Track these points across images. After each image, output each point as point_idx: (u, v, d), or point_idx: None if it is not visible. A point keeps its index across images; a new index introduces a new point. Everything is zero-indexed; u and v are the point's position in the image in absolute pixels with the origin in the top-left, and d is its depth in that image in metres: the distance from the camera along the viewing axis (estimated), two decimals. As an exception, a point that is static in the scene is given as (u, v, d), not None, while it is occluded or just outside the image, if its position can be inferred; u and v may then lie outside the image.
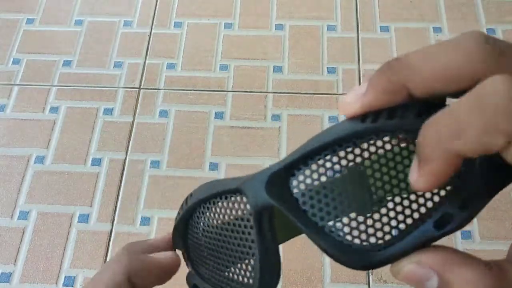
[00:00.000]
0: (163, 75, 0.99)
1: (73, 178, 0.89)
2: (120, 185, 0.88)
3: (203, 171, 0.88)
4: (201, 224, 0.23)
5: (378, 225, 0.16)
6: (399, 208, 0.16)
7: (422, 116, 0.14)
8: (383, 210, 0.16)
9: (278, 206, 0.17)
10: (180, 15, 1.06)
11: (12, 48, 1.03)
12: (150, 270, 0.24)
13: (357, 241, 0.16)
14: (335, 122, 0.91)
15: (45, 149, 0.92)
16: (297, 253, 0.80)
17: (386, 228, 0.16)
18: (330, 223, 0.17)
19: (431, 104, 0.15)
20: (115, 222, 0.85)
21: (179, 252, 0.27)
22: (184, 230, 0.25)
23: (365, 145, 0.16)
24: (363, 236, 0.16)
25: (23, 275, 0.81)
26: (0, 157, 0.92)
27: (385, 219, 0.16)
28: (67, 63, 1.01)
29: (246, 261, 0.21)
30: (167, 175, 0.88)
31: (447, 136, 0.12)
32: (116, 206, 0.86)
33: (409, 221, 0.16)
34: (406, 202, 0.16)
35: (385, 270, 0.78)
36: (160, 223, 0.85)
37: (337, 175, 0.17)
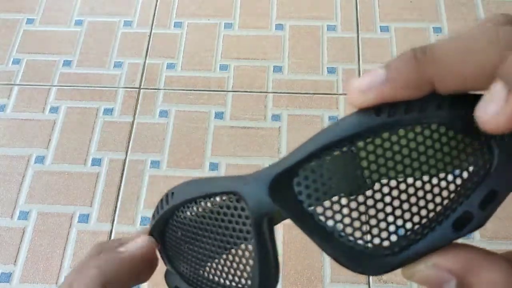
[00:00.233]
0: (163, 75, 0.99)
1: (73, 178, 0.89)
2: (120, 185, 0.88)
3: (203, 171, 0.88)
4: (184, 226, 0.21)
5: (391, 227, 0.15)
6: (414, 209, 0.15)
7: (442, 108, 0.13)
8: (398, 212, 0.15)
9: (284, 213, 0.16)
10: (180, 15, 1.06)
11: (12, 48, 1.03)
12: (126, 269, 0.21)
13: (369, 245, 0.15)
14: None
15: (45, 149, 0.92)
16: (297, 253, 0.80)
17: (401, 231, 0.15)
18: (340, 226, 0.15)
19: (448, 95, 0.14)
20: (115, 222, 0.85)
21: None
22: (163, 230, 0.23)
23: (379, 141, 0.15)
24: (376, 240, 0.15)
25: (23, 275, 0.81)
26: (0, 157, 0.92)
27: (399, 221, 0.15)
28: (67, 63, 1.01)
29: (242, 269, 0.19)
30: (167, 175, 0.88)
31: None
32: (116, 206, 0.86)
33: (424, 222, 0.15)
34: (421, 202, 0.15)
35: (385, 270, 0.78)
36: (160, 223, 0.84)
37: (350, 162, 0.15)
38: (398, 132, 0.14)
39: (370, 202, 0.15)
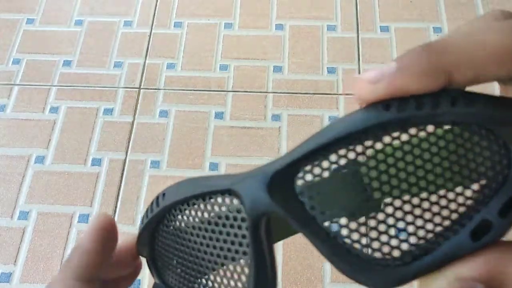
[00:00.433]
0: (163, 75, 0.99)
1: (73, 178, 0.89)
2: (120, 185, 0.88)
3: (203, 171, 0.88)
4: (176, 229, 0.19)
5: (402, 235, 0.14)
6: (427, 215, 0.13)
7: (456, 105, 0.12)
8: (409, 217, 0.14)
9: (284, 214, 0.14)
10: (180, 15, 1.06)
11: (12, 48, 1.03)
12: (88, 254, 0.20)
13: (378, 254, 0.14)
14: (335, 122, 0.91)
15: (45, 149, 0.92)
16: (297, 253, 0.80)
17: (413, 239, 0.14)
18: (345, 232, 0.14)
19: (461, 91, 0.13)
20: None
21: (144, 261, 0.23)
22: (152, 236, 0.21)
23: (387, 139, 0.13)
24: (386, 249, 0.14)
25: (23, 275, 0.81)
26: (0, 157, 0.92)
27: (411, 228, 0.14)
28: (67, 63, 1.01)
29: (236, 276, 0.17)
30: (167, 175, 0.88)
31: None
32: (116, 206, 0.86)
33: (438, 230, 0.14)
34: (435, 208, 0.14)
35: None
36: (160, 223, 0.84)
37: (354, 173, 0.14)
38: (409, 131, 0.13)
39: (375, 204, 0.14)
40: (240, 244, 0.16)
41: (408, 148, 0.13)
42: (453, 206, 0.13)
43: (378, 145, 0.14)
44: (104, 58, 1.01)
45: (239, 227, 0.16)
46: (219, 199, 0.17)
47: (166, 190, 0.19)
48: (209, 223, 0.17)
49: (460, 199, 0.14)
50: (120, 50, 1.02)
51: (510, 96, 0.13)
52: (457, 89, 0.13)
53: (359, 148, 0.14)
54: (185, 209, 0.18)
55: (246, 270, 0.17)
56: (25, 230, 0.85)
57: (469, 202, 0.14)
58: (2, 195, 0.88)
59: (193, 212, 0.18)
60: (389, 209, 0.14)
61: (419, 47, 0.13)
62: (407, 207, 0.14)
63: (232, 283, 0.17)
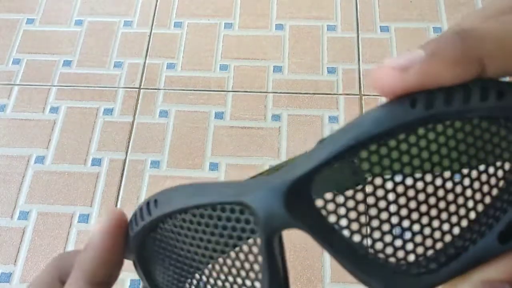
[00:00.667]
0: (163, 75, 0.99)
1: (73, 178, 0.89)
2: (120, 185, 0.88)
3: (203, 171, 0.88)
4: (171, 241, 0.18)
5: (428, 242, 0.13)
6: (454, 219, 0.13)
7: (488, 99, 0.11)
8: (435, 223, 0.13)
9: (305, 230, 0.13)
10: (180, 15, 1.06)
11: (12, 48, 1.03)
12: (101, 257, 0.19)
13: (403, 263, 0.13)
14: (336, 122, 0.91)
15: (45, 149, 0.92)
16: (297, 253, 0.80)
17: (439, 245, 0.13)
18: (368, 242, 0.13)
19: (492, 82, 0.12)
20: (115, 222, 0.85)
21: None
22: (142, 242, 0.19)
23: (413, 139, 0.12)
24: (411, 257, 0.13)
25: (23, 275, 0.81)
26: (0, 157, 0.92)
27: (437, 234, 0.13)
28: (67, 63, 1.01)
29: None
30: (167, 175, 0.88)
31: None
32: (116, 206, 0.86)
33: (466, 234, 0.13)
34: (462, 211, 0.13)
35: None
36: (160, 223, 0.85)
37: (376, 181, 0.13)
38: (436, 128, 0.12)
39: (403, 212, 0.13)
40: (250, 260, 0.15)
41: (434, 146, 0.13)
42: (479, 207, 0.13)
43: (404, 146, 0.12)
44: (104, 58, 1.01)
45: (248, 239, 0.15)
46: (226, 212, 0.15)
47: (158, 196, 0.17)
48: (212, 234, 0.16)
49: (486, 199, 0.13)
50: (120, 50, 1.02)
51: None
52: (487, 80, 0.12)
53: (383, 151, 0.12)
54: (183, 219, 0.16)
55: (257, 285, 0.15)
56: (25, 230, 0.85)
57: (496, 202, 0.13)
58: (2, 195, 0.88)
59: (192, 222, 0.16)
60: (414, 216, 0.13)
61: (452, 32, 0.12)
62: (433, 212, 0.13)
63: None
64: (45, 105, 0.96)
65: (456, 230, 0.13)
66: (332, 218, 0.13)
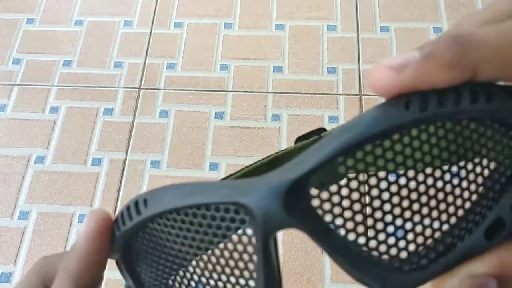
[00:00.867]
0: (163, 75, 0.99)
1: (73, 178, 0.89)
2: (120, 185, 0.88)
3: (203, 171, 0.88)
4: (159, 237, 0.17)
5: (419, 239, 0.14)
6: (443, 217, 0.13)
7: (478, 102, 0.12)
8: (426, 221, 0.13)
9: (302, 230, 0.13)
10: (180, 15, 1.06)
11: (12, 48, 1.04)
12: (87, 259, 0.18)
13: (395, 261, 0.13)
14: (336, 122, 0.91)
15: (45, 149, 0.92)
16: (297, 253, 0.80)
17: (429, 242, 0.13)
18: (362, 240, 0.14)
19: (481, 86, 0.12)
20: (115, 222, 0.85)
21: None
22: (128, 241, 0.18)
23: (407, 140, 0.13)
24: (403, 254, 0.13)
25: (23, 275, 0.81)
26: (0, 157, 0.92)
27: (427, 232, 0.13)
28: (67, 63, 1.01)
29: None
30: (167, 175, 0.88)
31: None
32: (116, 206, 0.86)
33: (454, 231, 0.13)
34: (451, 209, 0.13)
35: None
36: (160, 223, 0.85)
37: (371, 180, 0.14)
38: (428, 129, 0.13)
39: (396, 211, 0.14)
40: (245, 260, 0.15)
41: (426, 147, 0.13)
42: (467, 205, 0.13)
43: (398, 147, 0.13)
44: (104, 58, 1.01)
45: (243, 240, 0.15)
46: (220, 211, 0.15)
47: (147, 196, 0.16)
48: (206, 233, 0.15)
49: (473, 197, 0.13)
50: (120, 50, 1.02)
51: None
52: (477, 83, 0.12)
53: (378, 151, 0.13)
54: (174, 218, 0.16)
55: (252, 283, 0.15)
56: (25, 230, 0.85)
57: (482, 200, 0.13)
58: (2, 195, 0.88)
59: (184, 222, 0.16)
60: (407, 214, 0.13)
61: (449, 36, 0.12)
62: (424, 210, 0.14)
63: None
64: (45, 105, 0.96)
65: (445, 227, 0.13)
66: (328, 218, 0.14)
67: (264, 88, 0.96)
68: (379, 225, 0.14)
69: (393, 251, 0.14)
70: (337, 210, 0.14)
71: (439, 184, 0.14)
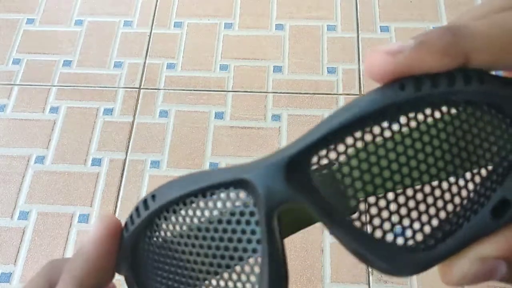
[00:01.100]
0: (163, 75, 0.99)
1: (73, 178, 0.89)
2: (120, 185, 0.88)
3: (203, 171, 0.88)
4: (168, 235, 0.17)
5: (424, 218, 0.14)
6: (447, 196, 0.14)
7: (471, 83, 0.13)
8: (430, 199, 0.14)
9: (305, 203, 0.13)
10: (180, 15, 1.06)
11: (12, 48, 1.03)
12: (94, 262, 0.18)
13: (400, 240, 0.14)
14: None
15: (45, 149, 0.92)
16: (297, 253, 0.80)
17: (434, 222, 0.13)
18: (366, 218, 0.14)
19: (474, 70, 0.13)
20: (115, 222, 0.85)
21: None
22: (135, 246, 0.18)
23: (403, 119, 0.13)
24: (408, 233, 0.14)
25: (23, 275, 0.81)
26: (0, 157, 0.92)
27: (432, 210, 0.14)
28: (67, 63, 1.01)
29: (243, 276, 0.15)
30: (167, 175, 0.88)
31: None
32: (116, 206, 0.86)
33: (460, 211, 0.14)
34: (454, 189, 0.14)
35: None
36: (160, 223, 0.84)
37: (371, 157, 0.14)
38: (425, 111, 0.13)
39: (399, 190, 0.14)
40: (249, 241, 0.15)
41: (422, 131, 0.13)
42: (471, 186, 0.14)
43: (395, 126, 0.13)
44: (104, 58, 1.01)
45: (248, 223, 0.15)
46: (223, 194, 0.15)
47: (156, 191, 0.17)
48: (210, 222, 0.15)
49: (477, 179, 0.14)
50: (120, 50, 1.02)
51: None
52: (470, 68, 0.13)
53: (376, 130, 0.13)
54: (180, 209, 0.16)
55: (256, 269, 0.15)
56: (25, 230, 0.85)
57: (486, 182, 0.14)
58: (2, 195, 0.88)
59: (190, 212, 0.16)
60: (410, 192, 0.14)
61: (442, 27, 0.13)
62: (427, 189, 0.14)
63: (239, 285, 0.16)
64: (45, 105, 0.96)
65: (450, 207, 0.14)
66: (327, 193, 0.14)
67: (264, 88, 0.96)
68: (382, 203, 0.14)
69: (398, 229, 0.14)
70: (335, 184, 0.14)
71: (440, 163, 0.14)
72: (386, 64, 0.13)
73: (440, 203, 0.14)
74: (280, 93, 0.95)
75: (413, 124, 0.13)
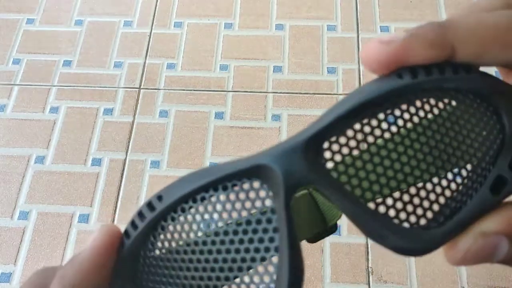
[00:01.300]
0: (163, 75, 0.99)
1: (73, 178, 0.89)
2: (120, 185, 0.88)
3: (203, 171, 0.88)
4: (176, 236, 0.15)
5: (432, 196, 0.15)
6: (450, 176, 0.15)
7: (458, 73, 0.14)
8: (435, 180, 0.15)
9: (322, 186, 0.14)
10: (180, 15, 1.06)
11: (12, 48, 1.04)
12: (88, 269, 0.17)
13: (413, 218, 0.14)
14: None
15: (45, 149, 0.92)
16: (297, 253, 0.80)
17: (442, 200, 0.15)
18: (378, 199, 0.14)
19: (461, 62, 0.14)
20: (115, 222, 0.85)
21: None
22: (136, 256, 0.16)
23: (404, 106, 0.14)
24: (419, 211, 0.14)
25: (23, 275, 0.81)
26: (0, 157, 0.92)
27: (438, 189, 0.15)
28: (67, 63, 1.01)
29: (257, 278, 0.15)
30: (167, 175, 0.88)
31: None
32: (116, 206, 0.86)
33: (462, 190, 0.15)
34: (456, 169, 0.15)
35: (385, 269, 0.78)
36: (160, 223, 0.84)
37: (378, 141, 0.15)
38: (422, 98, 0.14)
39: (407, 169, 0.15)
40: (265, 231, 0.14)
41: (421, 112, 0.15)
42: (469, 167, 0.15)
43: (397, 112, 0.14)
44: (104, 58, 1.01)
45: (269, 221, 0.14)
46: (237, 187, 0.14)
47: (161, 192, 0.15)
48: (222, 217, 0.15)
49: (474, 160, 0.15)
50: (120, 50, 1.02)
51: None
52: (458, 62, 0.14)
53: (381, 115, 0.14)
54: (190, 207, 0.15)
55: (271, 268, 0.15)
56: (25, 230, 0.85)
57: (481, 163, 0.15)
58: (2, 195, 0.88)
59: (201, 209, 0.15)
60: (417, 172, 0.15)
61: (431, 22, 0.14)
62: (432, 169, 0.15)
63: (259, 276, 0.15)
64: (45, 105, 0.96)
65: (453, 186, 0.15)
66: (343, 178, 0.14)
67: (264, 88, 0.96)
68: (393, 183, 0.15)
69: (409, 207, 0.14)
70: (345, 167, 0.14)
71: (441, 146, 0.15)
72: (379, 52, 0.14)
73: (444, 182, 0.15)
74: (280, 93, 0.95)
75: (413, 110, 0.14)
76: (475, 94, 0.15)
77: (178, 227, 0.15)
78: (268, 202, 0.14)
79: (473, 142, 0.15)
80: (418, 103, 0.15)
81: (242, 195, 0.15)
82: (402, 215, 0.14)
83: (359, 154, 0.15)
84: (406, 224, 0.14)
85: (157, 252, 0.16)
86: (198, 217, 0.15)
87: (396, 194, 0.15)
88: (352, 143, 0.14)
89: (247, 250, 0.15)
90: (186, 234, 0.15)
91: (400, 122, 0.15)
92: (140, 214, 0.16)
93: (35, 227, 0.85)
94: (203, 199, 0.15)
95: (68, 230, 0.85)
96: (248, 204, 0.15)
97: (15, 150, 0.92)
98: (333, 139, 0.14)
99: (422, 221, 0.14)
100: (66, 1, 1.09)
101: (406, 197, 0.14)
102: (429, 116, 0.15)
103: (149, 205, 0.15)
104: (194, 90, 0.96)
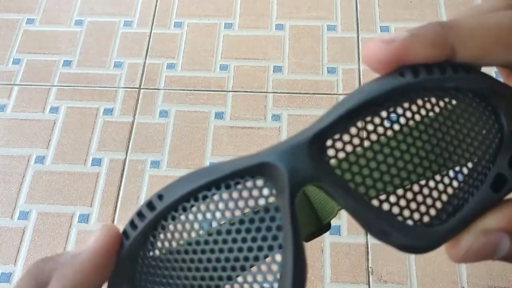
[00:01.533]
0: (163, 75, 0.99)
1: (73, 178, 0.89)
2: (120, 185, 0.88)
3: (203, 171, 0.88)
4: (176, 236, 0.15)
5: (435, 194, 0.15)
6: (451, 174, 0.15)
7: (458, 72, 0.14)
8: (438, 177, 0.15)
9: (327, 184, 0.14)
10: (180, 15, 1.06)
11: (12, 48, 1.04)
12: (88, 270, 0.17)
13: (416, 216, 0.14)
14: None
15: (45, 149, 0.92)
16: (297, 253, 0.80)
17: (444, 197, 0.15)
18: (382, 196, 0.14)
19: (460, 62, 0.14)
20: (115, 222, 0.85)
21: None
22: (135, 257, 0.16)
23: (406, 104, 0.15)
24: (423, 209, 0.15)
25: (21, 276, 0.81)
26: (0, 157, 0.92)
27: (440, 187, 0.15)
28: (67, 63, 1.01)
29: (260, 277, 0.14)
30: (167, 175, 0.88)
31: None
32: (116, 206, 0.86)
33: (464, 187, 0.15)
34: (458, 167, 0.15)
35: (385, 269, 0.78)
36: (160, 223, 0.84)
37: (381, 139, 0.15)
38: (423, 97, 0.15)
39: (410, 167, 0.15)
40: (269, 229, 0.14)
41: (423, 111, 0.15)
42: (470, 165, 0.15)
43: (399, 110, 0.14)
44: (104, 58, 1.01)
45: (272, 219, 0.14)
46: (240, 185, 0.14)
47: (162, 191, 0.15)
48: (225, 215, 0.14)
49: (474, 158, 0.15)
50: (120, 50, 1.02)
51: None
52: (458, 62, 0.14)
53: (383, 114, 0.14)
54: (192, 206, 0.15)
55: (274, 267, 0.14)
56: (25, 230, 0.85)
57: (482, 161, 0.15)
58: (2, 195, 0.88)
59: (203, 207, 0.15)
60: (419, 170, 0.15)
61: (433, 22, 0.14)
62: (435, 167, 0.15)
63: (256, 286, 0.14)
64: (45, 105, 0.96)
65: (455, 184, 0.15)
66: (347, 176, 0.14)
67: (264, 88, 0.96)
68: (396, 181, 0.15)
69: (413, 205, 0.14)
70: (348, 164, 0.14)
71: (443, 144, 0.15)
72: (380, 51, 0.14)
73: (446, 180, 0.15)
74: (280, 93, 0.95)
75: (417, 116, 0.15)
76: (474, 93, 0.15)
77: (179, 227, 0.15)
78: (271, 200, 0.14)
79: (473, 141, 0.15)
80: (420, 102, 0.15)
81: (245, 193, 0.14)
82: (406, 213, 0.14)
83: (363, 152, 0.15)
84: (410, 222, 0.14)
85: (157, 252, 0.16)
86: (200, 216, 0.15)
87: (400, 192, 0.15)
88: (356, 141, 0.14)
89: (250, 249, 0.14)
90: (188, 233, 0.15)
91: (402, 120, 0.15)
92: (140, 214, 0.15)
93: (35, 227, 0.85)
94: (205, 197, 0.15)
95: (68, 230, 0.85)
96: (251, 202, 0.14)
97: (15, 150, 0.92)
98: (337, 136, 0.15)
99: (426, 219, 0.15)
100: (66, 1, 1.09)
101: (409, 195, 0.15)
102: (430, 114, 0.15)
103: (149, 205, 0.15)
104: (194, 90, 0.97)
